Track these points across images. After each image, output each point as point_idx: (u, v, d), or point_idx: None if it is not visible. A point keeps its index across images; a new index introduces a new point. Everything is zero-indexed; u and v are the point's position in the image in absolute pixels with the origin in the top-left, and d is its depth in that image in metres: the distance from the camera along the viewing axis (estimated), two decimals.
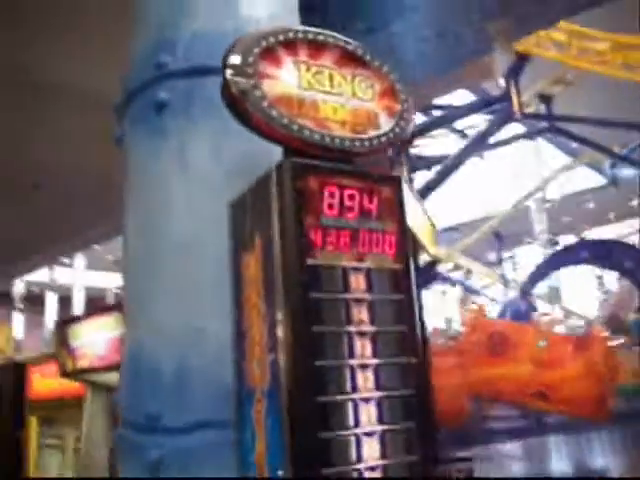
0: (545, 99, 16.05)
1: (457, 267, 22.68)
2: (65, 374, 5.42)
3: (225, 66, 2.30)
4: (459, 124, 17.05)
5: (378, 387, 2.17)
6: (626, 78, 12.26)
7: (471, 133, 16.02)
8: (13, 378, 6.52)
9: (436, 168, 13.92)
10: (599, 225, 24.14)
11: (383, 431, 2.15)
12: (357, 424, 2.10)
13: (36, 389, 6.44)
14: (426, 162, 15.30)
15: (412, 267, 2.37)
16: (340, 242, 2.22)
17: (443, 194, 21.66)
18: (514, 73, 12.72)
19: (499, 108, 12.87)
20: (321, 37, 2.51)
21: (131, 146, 3.09)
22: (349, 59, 2.55)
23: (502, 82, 12.65)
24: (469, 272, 23.06)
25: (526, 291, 14.92)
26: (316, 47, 2.49)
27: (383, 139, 2.50)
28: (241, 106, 2.28)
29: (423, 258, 4.03)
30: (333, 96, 2.44)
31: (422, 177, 13.85)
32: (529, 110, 16.06)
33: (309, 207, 2.18)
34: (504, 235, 22.37)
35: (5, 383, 6.90)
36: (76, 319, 5.75)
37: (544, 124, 16.11)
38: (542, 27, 5.70)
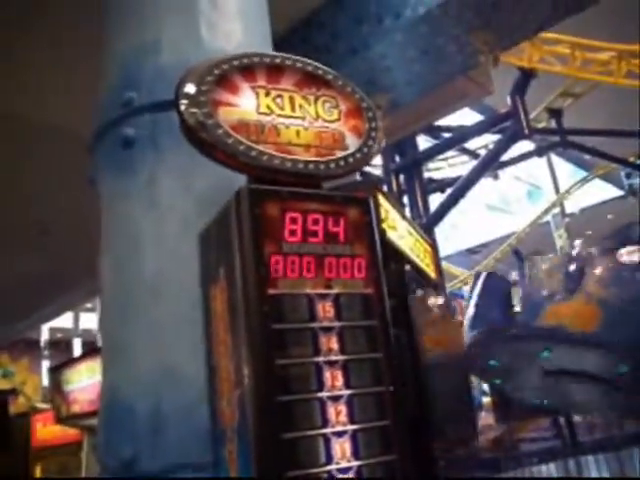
0: (555, 113, 15.92)
1: None
2: (60, 420, 5.36)
3: (178, 96, 2.24)
4: (471, 145, 16.97)
5: (352, 420, 2.06)
6: (632, 86, 12.12)
7: (482, 152, 15.93)
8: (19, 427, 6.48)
9: (449, 190, 13.81)
10: None
11: (359, 466, 2.03)
12: (330, 461, 1.97)
13: (40, 437, 6.39)
14: (439, 185, 15.18)
15: (385, 291, 2.27)
16: (304, 269, 2.13)
17: (459, 217, 21.56)
18: (520, 90, 12.62)
19: (508, 126, 12.76)
20: (278, 60, 2.46)
21: (102, 185, 3.05)
22: (311, 80, 2.49)
23: (509, 100, 12.55)
24: None
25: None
26: (274, 71, 2.43)
27: (350, 160, 2.42)
28: (197, 136, 2.22)
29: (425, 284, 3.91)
30: (295, 119, 2.37)
31: (435, 200, 13.74)
32: (540, 125, 15.96)
33: (269, 234, 2.10)
34: (526, 253, 22.09)
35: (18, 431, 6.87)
36: (68, 363, 5.69)
37: (555, 139, 15.94)
38: (525, 37, 5.65)
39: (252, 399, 1.95)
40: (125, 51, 3.12)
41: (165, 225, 2.75)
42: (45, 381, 26.64)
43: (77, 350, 28.57)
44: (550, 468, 10.58)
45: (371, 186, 3.17)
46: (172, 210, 2.76)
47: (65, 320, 25.85)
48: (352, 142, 2.45)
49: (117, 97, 2.97)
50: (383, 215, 3.14)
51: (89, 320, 28.48)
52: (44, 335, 28.45)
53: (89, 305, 25.58)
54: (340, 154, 2.39)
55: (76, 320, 28.54)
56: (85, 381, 4.85)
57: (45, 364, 28.52)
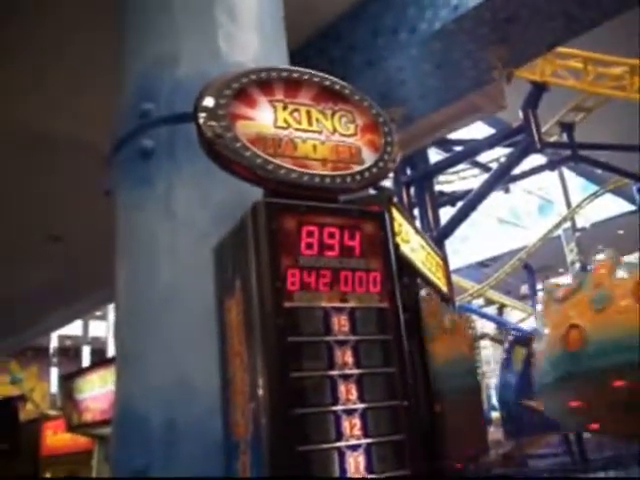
0: (566, 127, 15.89)
1: (489, 302, 22.34)
2: (71, 428, 5.37)
3: (197, 109, 2.27)
4: (482, 158, 16.96)
5: (366, 434, 2.06)
6: None
7: (493, 166, 15.90)
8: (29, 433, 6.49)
9: (460, 204, 13.78)
10: (631, 252, 23.64)
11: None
12: (344, 474, 1.98)
13: (49, 444, 6.40)
14: (450, 198, 15.15)
15: (399, 305, 2.27)
16: (320, 282, 2.13)
17: (469, 229, 21.52)
18: (532, 103, 12.61)
19: (520, 140, 12.74)
20: (296, 75, 2.48)
21: (119, 196, 3.07)
22: (328, 95, 2.51)
23: (521, 114, 12.54)
24: (502, 307, 22.67)
25: None
26: (292, 85, 2.45)
27: (367, 174, 2.43)
28: (214, 149, 2.24)
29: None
30: (312, 133, 2.39)
31: (446, 213, 13.72)
32: (552, 139, 15.93)
33: (286, 248, 2.11)
34: (538, 267, 22.02)
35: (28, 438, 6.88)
36: (80, 372, 5.71)
37: (567, 153, 15.90)
38: (539, 53, 5.66)
39: (267, 411, 1.96)
40: (143, 63, 3.16)
41: (181, 236, 2.77)
42: (54, 388, 26.67)
43: (86, 358, 28.62)
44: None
45: (386, 200, 3.17)
46: (188, 222, 2.78)
47: (74, 328, 25.90)
48: (368, 156, 2.46)
49: (135, 109, 3.00)
50: (397, 229, 3.15)
51: (98, 328, 28.55)
52: (53, 342, 28.52)
53: (99, 313, 25.66)
54: (356, 168, 2.41)
55: (85, 328, 28.60)
56: (97, 390, 4.86)
57: (54, 371, 28.57)
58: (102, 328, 28.48)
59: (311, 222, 2.18)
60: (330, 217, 2.23)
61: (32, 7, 5.10)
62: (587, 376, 7.15)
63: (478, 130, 15.30)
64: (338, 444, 2.00)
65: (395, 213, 3.24)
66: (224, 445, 2.30)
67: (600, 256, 8.10)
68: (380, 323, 2.21)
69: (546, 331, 8.33)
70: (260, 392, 1.99)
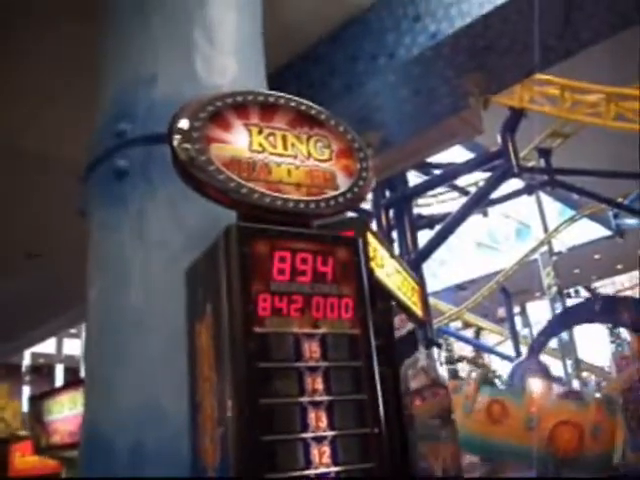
0: (544, 153, 16.08)
1: (467, 325, 22.43)
2: (39, 450, 5.27)
3: (172, 131, 2.26)
4: (461, 182, 17.09)
5: (335, 462, 2.04)
6: (621, 129, 12.27)
7: (471, 190, 16.04)
8: None
9: (438, 227, 13.87)
10: (608, 276, 23.92)
11: None
12: None
13: (17, 466, 6.28)
14: (428, 221, 15.23)
15: (371, 332, 2.27)
16: (291, 308, 2.12)
17: (447, 253, 21.62)
18: (510, 129, 12.76)
19: (498, 164, 12.87)
20: (272, 99, 2.48)
21: (92, 216, 3.05)
22: (303, 119, 2.51)
23: (499, 138, 12.68)
24: (479, 330, 22.77)
25: (536, 349, 14.59)
26: (268, 109, 2.45)
27: (341, 199, 2.43)
28: (188, 171, 2.23)
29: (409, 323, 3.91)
30: (287, 158, 2.39)
31: (424, 236, 13.79)
32: (530, 164, 16.10)
33: (257, 273, 2.10)
34: (515, 290, 22.16)
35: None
36: (50, 393, 5.62)
37: (544, 178, 16.08)
38: (516, 81, 5.75)
39: (235, 438, 1.93)
40: (121, 83, 3.15)
41: (153, 258, 2.75)
42: (26, 407, 26.18)
43: (59, 376, 28.22)
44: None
45: (360, 224, 3.17)
46: (161, 244, 2.76)
47: (48, 345, 25.54)
48: (343, 182, 2.46)
49: (111, 128, 2.98)
50: (372, 253, 3.15)
51: (72, 346, 28.18)
52: (26, 360, 28.10)
53: (73, 331, 25.34)
54: (331, 193, 2.41)
55: (59, 346, 28.24)
56: (66, 412, 4.79)
57: (26, 389, 28.10)
58: (76, 346, 28.13)
59: (284, 247, 2.17)
60: (303, 242, 2.22)
61: (6, 23, 5.08)
62: None
63: (457, 154, 15.43)
64: (307, 472, 1.97)
65: (370, 238, 3.24)
66: (192, 471, 2.26)
67: (473, 374, 10.61)
68: (351, 350, 2.20)
69: None
70: (228, 418, 1.96)
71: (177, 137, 2.24)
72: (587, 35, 4.97)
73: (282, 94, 2.52)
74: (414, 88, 5.20)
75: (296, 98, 2.55)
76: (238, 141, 2.32)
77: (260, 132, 2.38)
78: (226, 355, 2.03)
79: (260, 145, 2.35)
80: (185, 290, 2.46)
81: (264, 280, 2.10)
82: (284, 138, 2.42)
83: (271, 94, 2.50)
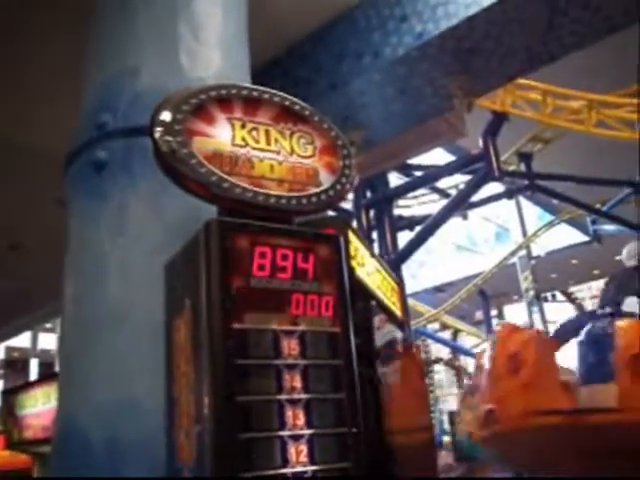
0: (524, 157, 16.17)
1: (444, 327, 22.52)
2: (11, 445, 5.20)
3: (153, 123, 2.23)
4: (442, 184, 17.14)
5: (313, 461, 2.01)
6: (603, 136, 12.38)
7: (452, 192, 16.09)
8: None
9: (418, 228, 13.91)
10: (584, 281, 24.15)
11: None
12: None
13: None
14: (409, 222, 15.27)
15: (351, 330, 2.25)
16: (271, 304, 2.10)
17: (426, 255, 21.70)
18: (492, 133, 12.81)
19: (479, 167, 12.92)
20: (256, 93, 2.45)
21: (71, 208, 3.00)
22: (287, 115, 2.49)
23: (480, 142, 12.73)
24: (457, 332, 22.88)
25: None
26: (252, 103, 2.43)
27: (323, 197, 2.41)
28: (169, 164, 2.20)
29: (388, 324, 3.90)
30: (270, 153, 2.37)
31: (404, 237, 13.82)
32: (510, 168, 16.18)
33: (237, 268, 2.07)
34: (493, 293, 22.30)
35: None
36: (23, 387, 5.54)
37: (524, 182, 16.17)
38: (499, 84, 5.77)
39: (212, 435, 1.90)
40: (104, 75, 3.11)
41: (132, 252, 2.71)
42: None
43: (34, 371, 27.95)
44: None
45: (342, 222, 3.15)
46: (140, 237, 2.73)
47: (23, 339, 25.28)
48: (325, 179, 2.44)
49: (92, 119, 2.95)
50: (353, 252, 3.13)
51: (48, 340, 27.92)
52: (0, 354, 27.83)
53: (48, 325, 25.11)
54: (313, 190, 2.39)
55: (34, 340, 27.98)
56: (40, 407, 4.72)
57: (0, 383, 27.81)
58: (51, 341, 27.87)
59: (264, 243, 2.15)
60: (284, 239, 2.20)
61: None
62: None
63: (438, 156, 15.49)
64: (284, 470, 1.95)
65: (351, 236, 3.22)
66: (167, 467, 2.23)
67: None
68: (331, 348, 2.18)
69: None
70: (205, 414, 1.94)
71: (159, 129, 2.21)
72: (571, 40, 5.00)
73: (266, 89, 2.50)
74: (399, 88, 5.20)
75: (280, 93, 2.52)
76: (221, 135, 2.29)
77: (243, 126, 2.36)
78: (204, 351, 2.00)
79: (243, 139, 2.33)
80: (164, 285, 2.43)
81: (244, 276, 2.07)
82: (267, 133, 2.40)
83: (255, 88, 2.48)
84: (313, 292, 2.20)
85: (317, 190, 2.40)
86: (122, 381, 2.53)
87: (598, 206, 17.57)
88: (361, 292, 3.19)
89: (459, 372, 20.68)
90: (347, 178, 2.49)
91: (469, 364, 20.96)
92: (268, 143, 2.38)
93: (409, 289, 14.94)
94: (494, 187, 16.64)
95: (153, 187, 2.73)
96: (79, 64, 3.42)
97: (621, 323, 6.64)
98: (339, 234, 2.39)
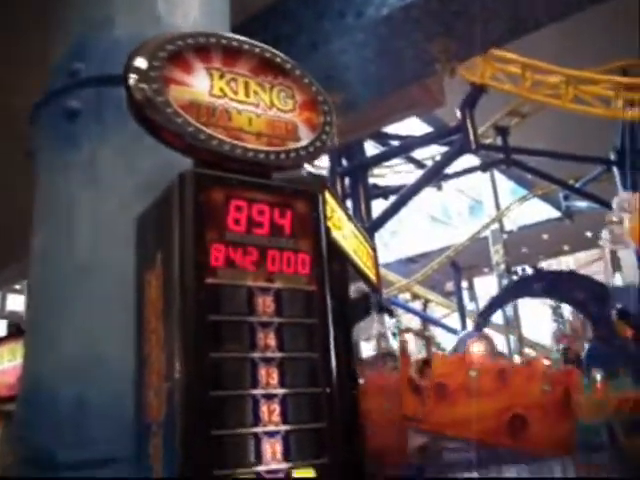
0: (501, 131, 16.17)
1: (415, 297, 22.65)
2: None
3: (128, 70, 2.13)
4: (418, 155, 17.12)
5: (285, 421, 1.97)
6: (579, 111, 12.38)
7: (428, 163, 16.08)
8: None
9: (393, 198, 13.91)
10: (554, 256, 24.39)
11: (289, 468, 1.95)
12: (259, 461, 1.89)
13: None
14: (383, 191, 15.25)
15: (328, 290, 2.20)
16: (246, 260, 2.04)
17: (402, 225, 21.76)
18: (469, 105, 12.77)
19: (455, 139, 12.89)
20: (236, 43, 2.36)
21: (40, 156, 2.89)
22: (268, 67, 2.40)
23: (458, 113, 12.68)
24: (427, 302, 23.02)
25: (480, 322, 14.83)
26: (231, 54, 2.33)
27: (302, 153, 2.34)
28: (144, 113, 2.11)
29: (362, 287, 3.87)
30: (248, 105, 2.28)
31: (378, 206, 13.81)
32: (486, 142, 16.18)
33: (212, 221, 2.00)
34: (464, 265, 22.44)
35: None
36: None
37: (500, 156, 16.19)
38: (484, 49, 5.71)
39: (182, 393, 1.85)
40: (78, 24, 2.98)
41: (103, 204, 2.63)
42: None
43: (1, 331, 27.60)
44: (473, 475, 10.76)
45: (319, 182, 3.09)
46: (112, 189, 2.64)
47: None
48: (305, 134, 2.37)
49: (64, 68, 2.83)
50: (329, 213, 3.08)
51: (16, 302, 27.58)
52: None
53: (17, 286, 24.77)
54: (292, 145, 2.32)
55: (2, 301, 27.63)
56: (5, 364, 4.63)
57: None
58: (20, 302, 27.53)
59: (240, 197, 2.08)
60: (261, 193, 2.14)
61: None
62: None
63: (416, 127, 15.45)
64: (255, 429, 1.91)
65: (328, 198, 3.16)
66: (135, 427, 2.18)
67: None
68: (306, 306, 2.13)
69: None
70: (176, 372, 1.88)
71: (133, 76, 2.12)
72: (557, 7, 4.93)
73: (247, 39, 2.40)
74: (381, 49, 5.11)
75: (261, 45, 2.44)
76: (198, 84, 2.20)
77: (222, 77, 2.27)
78: (175, 306, 1.94)
79: (221, 90, 2.24)
80: (135, 238, 2.35)
81: (219, 230, 2.01)
82: (246, 85, 2.32)
83: (235, 38, 2.39)
84: (289, 249, 2.14)
85: (296, 146, 2.33)
86: (91, 338, 2.46)
87: (571, 182, 17.68)
88: (337, 254, 3.14)
89: (429, 342, 20.84)
90: (327, 135, 2.42)
91: (438, 334, 21.15)
92: (247, 95, 2.30)
93: (381, 259, 14.97)
94: (470, 160, 16.67)
95: (126, 138, 2.64)
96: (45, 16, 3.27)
97: None
98: (317, 191, 2.32)
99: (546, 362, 11.01)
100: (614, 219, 9.06)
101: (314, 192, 2.29)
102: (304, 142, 2.35)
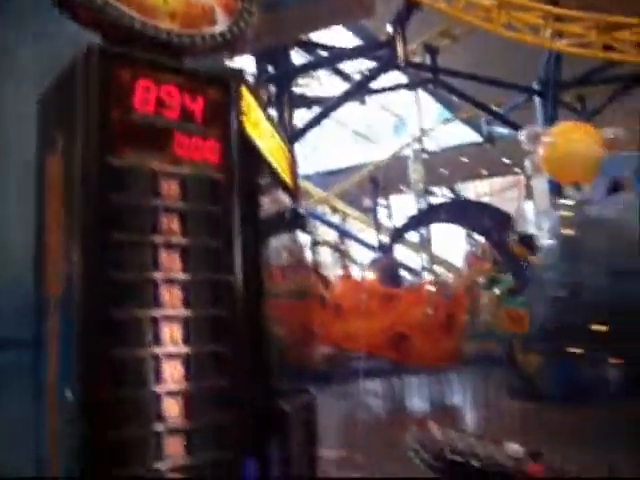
0: (431, 50, 16.06)
1: (334, 210, 22.81)
2: None
3: None
4: (344, 67, 16.88)
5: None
6: (509, 37, 12.42)
7: (355, 77, 15.90)
8: None
9: (316, 108, 13.79)
10: (471, 180, 24.93)
11: (187, 354, 1.97)
12: (158, 343, 1.90)
13: None
14: (307, 101, 15.06)
15: (236, 180, 2.17)
16: (152, 142, 1.98)
17: (324, 138, 21.66)
18: (401, 20, 12.58)
19: (384, 54, 12.75)
20: None
21: None
22: None
23: (389, 28, 12.50)
24: (345, 216, 23.25)
25: (393, 242, 15.21)
26: None
27: (219, 38, 2.27)
28: None
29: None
30: None
31: (302, 116, 13.68)
32: (414, 60, 16.07)
33: (118, 100, 1.93)
34: (382, 183, 22.65)
35: None
36: None
37: (428, 75, 16.15)
38: None
39: (81, 272, 1.81)
40: None
41: (5, 84, 2.48)
42: None
43: None
44: (376, 384, 11.22)
45: (236, 73, 3.00)
46: (14, 68, 2.52)
47: None
48: (222, 19, 2.30)
49: None
50: (245, 109, 3.00)
51: None
52: None
53: None
54: (207, 30, 2.24)
55: None
56: None
57: None
58: None
59: (149, 76, 2.00)
60: (171, 75, 2.06)
61: None
62: None
63: (345, 39, 15.19)
64: (153, 313, 1.91)
65: (247, 95, 3.08)
66: (34, 305, 2.13)
67: None
68: (213, 195, 2.11)
69: None
70: (76, 252, 1.84)
71: None
72: None
73: None
74: None
75: None
76: None
77: None
78: (77, 187, 1.87)
79: None
80: (37, 119, 2.24)
81: (125, 109, 1.93)
82: None
83: None
84: (199, 134, 2.09)
85: (212, 30, 2.24)
86: None
87: (496, 108, 17.89)
88: (250, 151, 3.09)
89: (344, 255, 21.22)
90: (245, 23, 2.35)
91: (354, 248, 21.54)
92: None
93: (301, 171, 14.95)
94: (397, 77, 16.58)
95: (32, 15, 2.48)
96: None
97: None
98: (230, 78, 2.26)
99: (431, 288, 11.81)
100: (527, 149, 9.32)
101: (228, 80, 2.23)
102: (220, 28, 2.27)
